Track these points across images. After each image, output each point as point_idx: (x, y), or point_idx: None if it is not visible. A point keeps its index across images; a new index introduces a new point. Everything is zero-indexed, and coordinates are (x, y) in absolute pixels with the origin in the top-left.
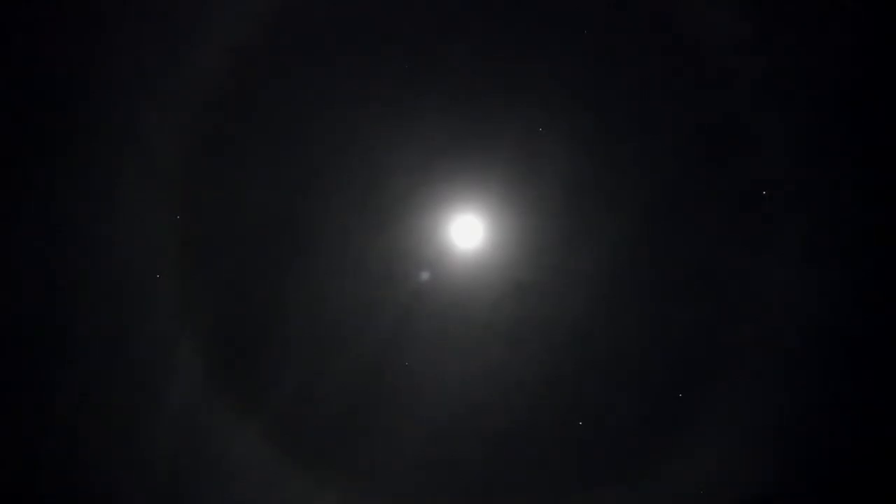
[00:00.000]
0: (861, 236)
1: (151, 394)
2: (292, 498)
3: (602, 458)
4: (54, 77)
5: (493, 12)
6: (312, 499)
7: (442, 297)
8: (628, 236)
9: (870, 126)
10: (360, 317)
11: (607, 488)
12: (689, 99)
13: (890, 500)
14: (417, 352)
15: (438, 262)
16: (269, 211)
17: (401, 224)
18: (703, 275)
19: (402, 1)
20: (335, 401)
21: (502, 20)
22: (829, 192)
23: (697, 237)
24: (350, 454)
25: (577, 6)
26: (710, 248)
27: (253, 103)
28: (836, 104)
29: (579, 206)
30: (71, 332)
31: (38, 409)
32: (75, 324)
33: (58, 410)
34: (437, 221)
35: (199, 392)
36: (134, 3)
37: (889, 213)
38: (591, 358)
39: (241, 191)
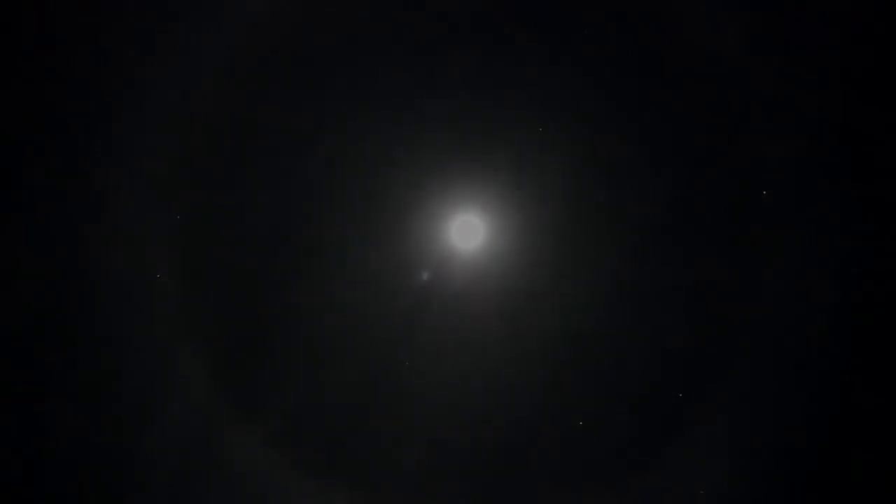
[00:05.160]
0: (861, 244)
1: (154, 399)
2: (296, 503)
3: (603, 462)
4: (55, 77)
5: (494, 17)
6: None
7: (444, 301)
8: (629, 241)
9: (870, 132)
10: (362, 321)
11: (608, 492)
12: (691, 104)
13: None
14: (419, 356)
15: (440, 268)
16: (270, 215)
17: (402, 229)
18: (704, 281)
19: (403, 6)
20: (338, 405)
21: (503, 24)
22: (828, 200)
23: (698, 243)
24: (353, 459)
25: (579, 9)
26: (710, 254)
27: (254, 108)
28: (836, 111)
29: (580, 211)
30: (71, 336)
31: (38, 413)
32: (75, 327)
33: (58, 415)
34: (439, 227)
35: (201, 398)
36: (136, 4)
37: (889, 219)
38: (592, 361)
39: (242, 195)
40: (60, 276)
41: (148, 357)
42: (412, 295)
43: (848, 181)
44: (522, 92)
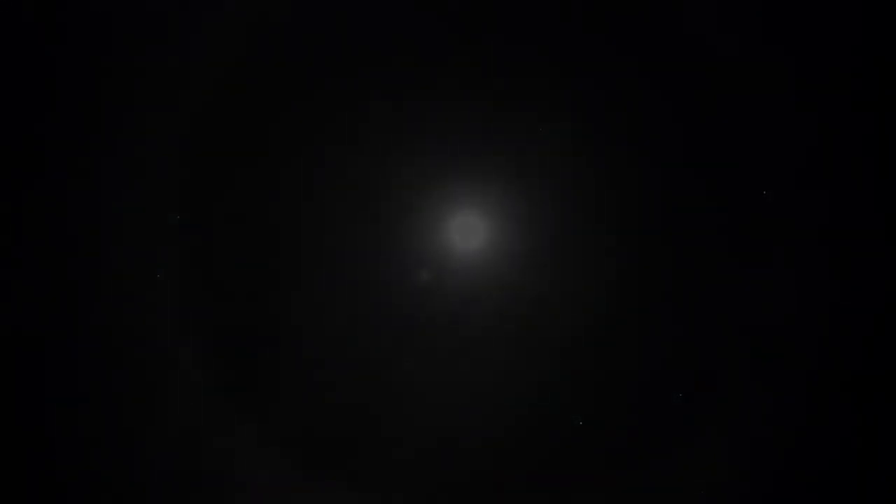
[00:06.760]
0: (861, 244)
1: (154, 399)
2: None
3: (603, 462)
4: (55, 76)
5: (496, 16)
6: None
7: (444, 301)
8: (629, 242)
9: (870, 132)
10: (362, 322)
11: (608, 492)
12: (691, 104)
13: None
14: (420, 356)
15: (440, 268)
16: (270, 215)
17: (402, 230)
18: (704, 281)
19: (404, 5)
20: (338, 406)
21: (503, 24)
22: (828, 200)
23: (697, 243)
24: (353, 459)
25: (580, 9)
26: (711, 254)
27: (254, 108)
28: (835, 110)
29: (581, 211)
30: (71, 335)
31: (38, 414)
32: (75, 327)
33: (58, 415)
34: (439, 227)
35: (201, 398)
36: (138, 4)
37: (888, 220)
38: (592, 360)
39: (241, 195)
40: (60, 275)
41: (148, 357)
42: (412, 295)
43: (848, 181)
44: (523, 92)
